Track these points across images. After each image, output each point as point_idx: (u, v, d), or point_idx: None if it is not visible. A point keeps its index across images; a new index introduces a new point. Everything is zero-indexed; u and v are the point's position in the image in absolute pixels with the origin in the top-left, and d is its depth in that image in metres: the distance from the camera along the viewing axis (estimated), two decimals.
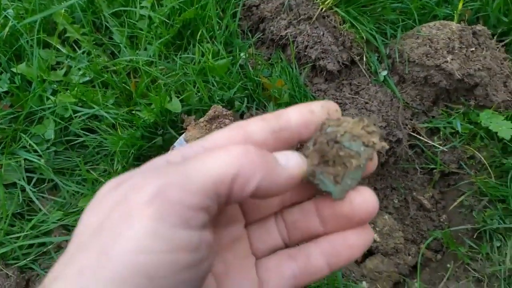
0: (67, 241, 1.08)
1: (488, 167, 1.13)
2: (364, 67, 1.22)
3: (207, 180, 0.30)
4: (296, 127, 0.40)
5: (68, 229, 1.09)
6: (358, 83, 1.20)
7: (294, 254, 0.41)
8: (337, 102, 1.17)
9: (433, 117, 1.20)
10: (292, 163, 0.37)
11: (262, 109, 1.16)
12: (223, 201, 0.33)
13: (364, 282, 1.00)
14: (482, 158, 1.14)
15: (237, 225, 0.42)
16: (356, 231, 0.40)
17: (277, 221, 0.44)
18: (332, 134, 0.38)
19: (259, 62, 1.22)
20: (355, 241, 0.39)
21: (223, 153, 0.32)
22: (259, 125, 0.39)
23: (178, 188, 0.29)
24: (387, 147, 0.40)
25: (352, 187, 0.39)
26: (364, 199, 0.39)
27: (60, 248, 1.08)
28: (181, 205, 0.28)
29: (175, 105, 1.07)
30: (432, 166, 1.16)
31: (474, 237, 1.09)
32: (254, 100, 1.15)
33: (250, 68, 1.19)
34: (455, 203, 1.13)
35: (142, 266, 0.26)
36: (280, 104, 1.14)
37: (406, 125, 1.17)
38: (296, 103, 1.15)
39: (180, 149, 0.38)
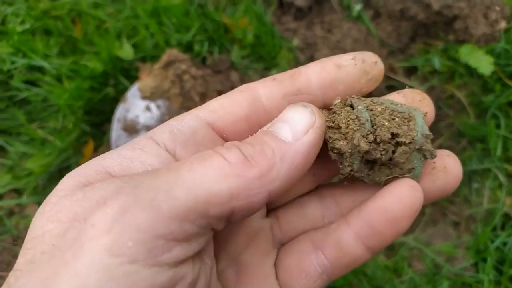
0: (19, 205, 0.99)
1: (467, 106, 1.07)
2: (336, 1, 1.11)
3: (197, 199, 0.23)
4: (319, 89, 0.31)
5: (20, 193, 1.00)
6: (330, 20, 1.10)
7: (320, 242, 0.32)
8: (307, 42, 1.07)
9: (410, 55, 1.11)
10: (300, 128, 0.28)
11: (225, 53, 1.06)
12: (222, 223, 0.25)
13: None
14: (461, 97, 1.07)
15: (255, 216, 0.33)
16: (397, 195, 0.30)
17: (321, 199, 0.35)
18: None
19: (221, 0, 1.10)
20: (399, 211, 0.29)
21: (218, 161, 0.25)
22: (269, 87, 0.31)
23: (147, 209, 0.22)
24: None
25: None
26: (455, 162, 0.33)
27: (12, 213, 0.99)
28: (148, 234, 0.21)
29: (126, 52, 0.96)
30: None
31: None
32: (215, 43, 1.05)
33: (211, 7, 1.07)
34: (434, 146, 1.07)
35: None
36: (245, 47, 1.04)
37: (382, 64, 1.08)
38: (261, 44, 1.05)
39: (171, 120, 0.30)
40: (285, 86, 0.31)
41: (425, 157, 0.32)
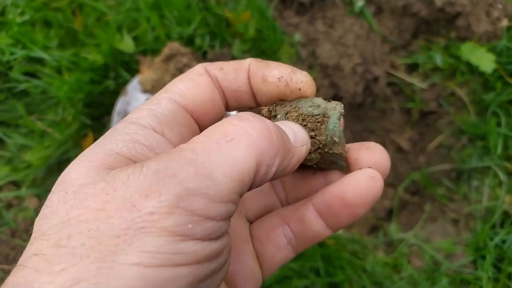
0: (18, 197, 0.99)
1: (468, 104, 1.07)
2: None
3: (234, 181, 0.26)
4: (250, 92, 0.35)
5: (18, 185, 0.99)
6: (332, 15, 1.10)
7: (287, 217, 0.36)
8: (309, 38, 1.07)
9: (412, 52, 1.11)
10: (300, 139, 0.31)
11: (226, 47, 1.05)
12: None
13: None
14: (462, 95, 1.07)
15: None
16: (355, 184, 0.33)
17: (272, 184, 0.39)
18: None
19: None
20: (354, 199, 0.33)
21: (243, 138, 0.26)
22: (216, 76, 0.34)
23: (202, 197, 0.25)
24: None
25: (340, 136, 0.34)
26: (370, 154, 0.35)
27: (11, 206, 0.99)
28: (202, 217, 0.25)
29: (127, 44, 0.95)
30: (411, 106, 1.09)
31: (452, 177, 1.05)
32: (217, 37, 1.04)
33: (212, 0, 1.07)
34: (434, 143, 1.07)
35: (155, 280, 0.23)
36: (247, 41, 1.03)
37: (384, 61, 1.08)
38: (263, 39, 1.04)
39: (145, 105, 0.31)
40: (228, 80, 0.34)
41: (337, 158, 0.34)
